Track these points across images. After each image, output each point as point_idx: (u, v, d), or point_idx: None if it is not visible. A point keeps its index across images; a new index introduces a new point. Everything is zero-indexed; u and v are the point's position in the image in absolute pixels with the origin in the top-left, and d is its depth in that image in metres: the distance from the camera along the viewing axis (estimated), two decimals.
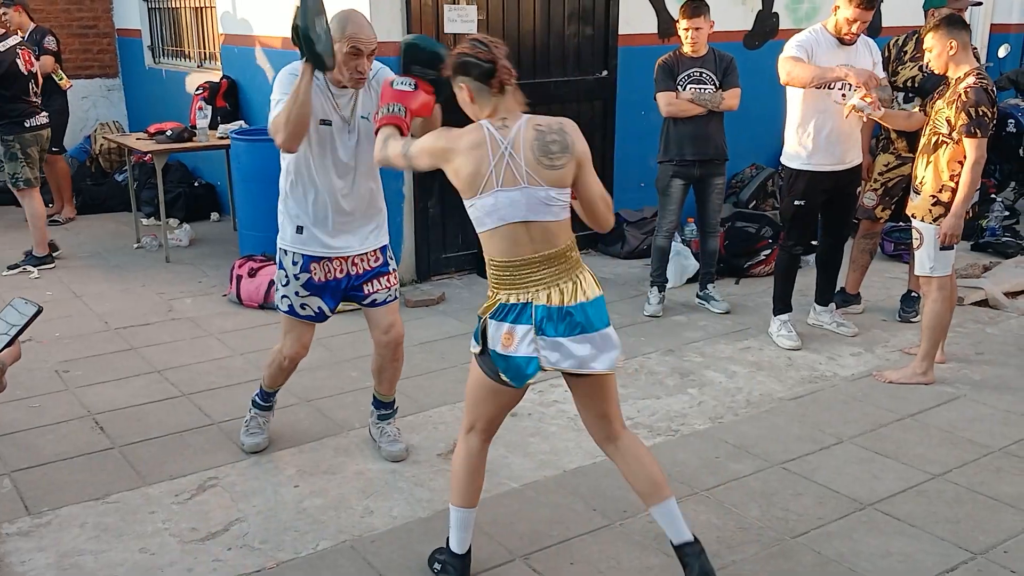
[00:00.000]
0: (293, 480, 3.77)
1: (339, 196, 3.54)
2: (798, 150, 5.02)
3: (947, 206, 4.44)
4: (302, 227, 3.56)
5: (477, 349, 2.85)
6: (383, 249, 3.73)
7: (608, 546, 3.31)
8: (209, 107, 7.39)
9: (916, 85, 5.34)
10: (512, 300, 2.76)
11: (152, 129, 7.26)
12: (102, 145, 9.12)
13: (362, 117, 3.51)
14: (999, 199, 7.55)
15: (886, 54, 5.48)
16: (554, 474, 3.82)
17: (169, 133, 7.03)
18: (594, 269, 3.34)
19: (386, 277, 3.73)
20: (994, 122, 4.38)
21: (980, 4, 5.65)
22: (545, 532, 3.39)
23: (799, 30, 7.45)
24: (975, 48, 4.69)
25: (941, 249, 4.49)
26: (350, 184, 3.56)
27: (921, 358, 4.67)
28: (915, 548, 3.28)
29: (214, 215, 8.34)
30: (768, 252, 6.48)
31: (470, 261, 6.56)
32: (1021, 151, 7.92)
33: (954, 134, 4.35)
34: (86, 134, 9.56)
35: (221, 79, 7.76)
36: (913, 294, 5.63)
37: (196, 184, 8.47)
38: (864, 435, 4.15)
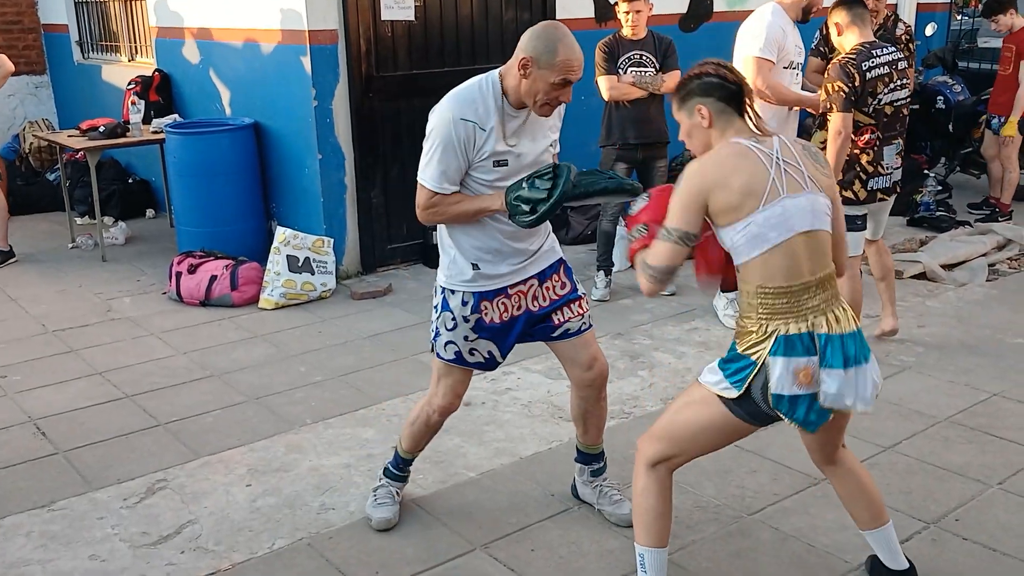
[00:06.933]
0: (245, 479, 3.70)
1: (510, 228, 3.03)
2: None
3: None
4: (478, 263, 3.05)
5: (735, 393, 2.51)
6: (568, 272, 3.21)
7: (567, 531, 3.31)
8: (142, 101, 7.21)
9: None
10: (793, 331, 2.45)
11: (84, 126, 7.07)
12: (32, 144, 8.85)
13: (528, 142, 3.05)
14: (932, 174, 7.70)
15: (824, 32, 5.55)
16: (510, 461, 3.80)
17: (102, 129, 6.84)
18: None
19: (577, 303, 3.18)
20: (855, 95, 4.32)
21: None
22: (504, 520, 3.37)
23: (733, 13, 7.47)
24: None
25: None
26: None
27: None
28: None
29: (150, 212, 8.16)
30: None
31: (416, 251, 6.50)
32: (951, 127, 8.08)
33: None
34: (14, 133, 9.27)
35: (154, 73, 7.56)
36: None
37: (130, 180, 8.27)
38: None
